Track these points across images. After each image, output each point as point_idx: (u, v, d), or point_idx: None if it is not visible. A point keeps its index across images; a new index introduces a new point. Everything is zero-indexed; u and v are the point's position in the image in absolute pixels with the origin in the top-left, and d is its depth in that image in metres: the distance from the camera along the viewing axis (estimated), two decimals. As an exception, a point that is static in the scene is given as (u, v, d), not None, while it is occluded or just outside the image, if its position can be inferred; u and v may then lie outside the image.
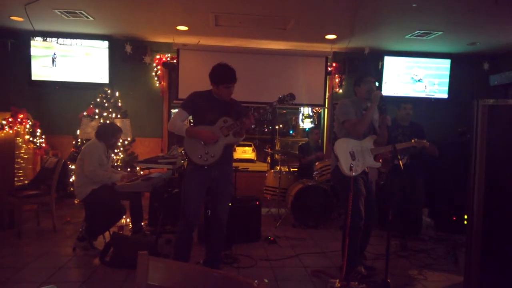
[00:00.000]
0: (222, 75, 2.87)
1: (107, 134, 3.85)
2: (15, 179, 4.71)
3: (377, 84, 3.35)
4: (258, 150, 21.36)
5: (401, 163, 2.93)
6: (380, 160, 3.36)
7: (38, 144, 5.37)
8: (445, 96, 6.60)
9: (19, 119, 4.99)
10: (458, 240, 4.27)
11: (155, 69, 6.28)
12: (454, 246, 3.99)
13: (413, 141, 3.47)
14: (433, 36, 5.50)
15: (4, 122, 4.75)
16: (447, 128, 6.01)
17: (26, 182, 4.90)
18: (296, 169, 5.81)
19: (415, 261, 3.73)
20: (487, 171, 2.42)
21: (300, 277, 3.31)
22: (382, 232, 4.20)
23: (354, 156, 3.11)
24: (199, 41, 6.10)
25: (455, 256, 3.77)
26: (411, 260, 3.77)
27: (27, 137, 5.20)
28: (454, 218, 4.65)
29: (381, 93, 3.11)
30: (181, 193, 2.96)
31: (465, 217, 2.60)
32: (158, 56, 6.27)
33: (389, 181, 4.23)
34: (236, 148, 19.75)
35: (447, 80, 6.57)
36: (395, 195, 4.22)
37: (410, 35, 5.51)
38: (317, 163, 5.33)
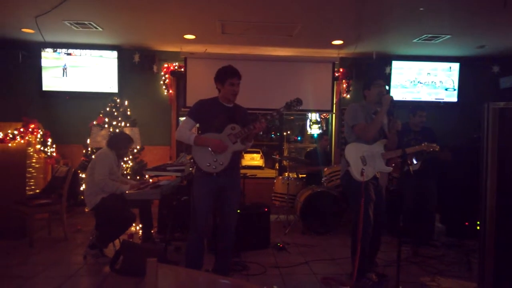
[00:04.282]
0: (227, 71, 2.93)
1: (119, 144, 3.89)
2: (27, 188, 4.77)
3: (386, 87, 3.33)
4: (266, 157, 21.36)
5: (410, 168, 2.90)
6: (393, 165, 3.33)
7: (49, 154, 5.44)
8: (455, 100, 6.54)
9: (30, 129, 5.06)
10: (471, 245, 4.19)
11: (163, 78, 6.34)
12: (467, 252, 3.92)
13: (423, 144, 3.43)
14: (441, 39, 5.46)
15: (15, 132, 4.82)
16: (457, 132, 5.95)
17: (37, 191, 4.95)
18: (304, 175, 5.79)
19: (427, 268, 3.67)
20: (498, 175, 2.38)
21: (310, 285, 3.28)
22: (393, 239, 4.15)
23: (365, 161, 3.08)
24: (206, 49, 6.16)
25: (469, 262, 3.70)
26: (423, 266, 3.71)
27: (38, 146, 5.27)
28: (467, 224, 4.58)
29: (392, 97, 3.08)
30: (191, 201, 2.96)
31: (478, 222, 2.55)
32: (166, 65, 6.33)
33: (401, 186, 4.19)
34: (244, 155, 19.80)
35: (456, 84, 6.51)
36: (407, 201, 4.17)
37: (418, 39, 5.48)
38: (325, 169, 5.30)
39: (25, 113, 5.51)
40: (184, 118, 3.04)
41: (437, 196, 4.35)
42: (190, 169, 3.86)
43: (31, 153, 5.10)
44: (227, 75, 2.92)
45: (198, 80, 6.13)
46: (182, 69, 6.26)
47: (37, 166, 5.24)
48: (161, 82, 6.36)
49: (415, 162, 4.02)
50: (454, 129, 6.03)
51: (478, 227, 2.54)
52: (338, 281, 3.28)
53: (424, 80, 6.52)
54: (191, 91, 6.17)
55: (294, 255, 4.04)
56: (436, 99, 6.55)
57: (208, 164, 2.86)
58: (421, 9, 4.29)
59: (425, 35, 5.32)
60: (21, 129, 4.93)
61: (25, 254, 3.91)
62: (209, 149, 2.86)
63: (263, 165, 20.74)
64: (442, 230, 4.89)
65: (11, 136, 4.75)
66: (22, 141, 4.85)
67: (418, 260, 3.86)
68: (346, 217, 5.01)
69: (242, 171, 4.70)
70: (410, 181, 4.06)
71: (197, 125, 3.05)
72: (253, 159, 20.39)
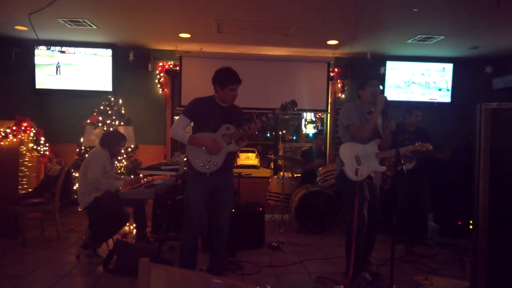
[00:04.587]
0: (228, 77, 2.87)
1: (111, 142, 3.87)
2: (19, 187, 4.72)
3: (380, 87, 3.35)
4: (261, 156, 21.35)
5: (404, 168, 2.92)
6: (387, 163, 3.35)
7: (42, 152, 5.39)
8: (448, 100, 6.59)
9: (23, 128, 5.01)
10: (464, 245, 4.23)
11: (158, 77, 6.32)
12: (460, 251, 3.95)
13: (416, 144, 3.45)
14: (435, 40, 5.50)
15: (8, 130, 4.78)
16: (450, 132, 5.99)
17: (30, 190, 4.91)
18: (299, 175, 5.80)
19: (421, 267, 3.69)
20: (491, 175, 2.40)
21: (304, 284, 3.28)
22: (387, 238, 4.17)
23: (359, 161, 3.09)
24: (201, 48, 6.14)
25: (462, 261, 3.73)
26: (417, 265, 3.73)
27: (31, 145, 5.22)
28: (460, 223, 4.61)
29: (386, 97, 3.09)
30: (185, 201, 2.95)
31: (471, 222, 2.58)
32: (161, 64, 6.30)
33: (395, 185, 4.21)
34: (240, 154, 19.77)
35: (450, 84, 6.56)
36: (401, 200, 4.19)
37: (412, 39, 5.51)
38: (320, 168, 5.31)
39: (18, 111, 5.46)
40: (179, 116, 3.03)
41: (430, 196, 4.39)
42: (185, 168, 3.85)
43: (24, 152, 5.05)
44: (228, 81, 2.85)
45: (193, 79, 6.12)
46: (177, 68, 6.24)
47: (30, 165, 5.19)
48: (156, 81, 6.34)
49: (409, 161, 4.05)
50: (447, 130, 6.08)
51: (471, 227, 2.56)
52: (332, 280, 3.29)
53: (418, 81, 6.55)
54: (186, 90, 6.15)
55: (289, 254, 4.04)
56: (429, 99, 6.59)
57: (202, 164, 2.85)
58: (415, 10, 4.31)
59: (419, 36, 5.35)
60: (14, 128, 4.88)
61: (18, 253, 3.87)
62: (203, 149, 2.85)
63: (258, 165, 20.72)
64: (435, 229, 4.92)
65: (3, 134, 4.70)
66: (15, 140, 4.81)
67: (412, 259, 3.89)
68: (340, 216, 5.03)
69: (237, 170, 4.70)
70: (404, 180, 4.08)
71: (192, 123, 3.04)
72: (248, 158, 20.35)
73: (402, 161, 2.94)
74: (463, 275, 3.48)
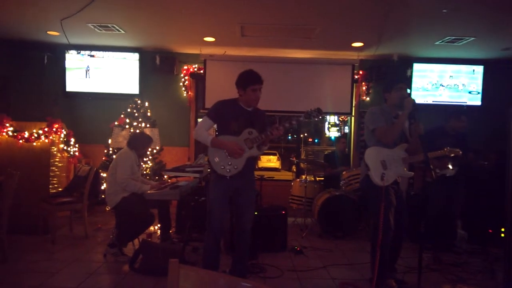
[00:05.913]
0: (249, 77, 2.89)
1: (138, 144, 3.96)
2: (50, 186, 4.90)
3: (408, 91, 3.28)
4: (283, 159, 21.31)
5: (433, 173, 2.85)
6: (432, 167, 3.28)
7: (71, 153, 5.57)
8: (478, 103, 6.37)
9: (54, 129, 5.19)
10: (494, 253, 4.07)
11: (183, 80, 6.42)
12: (491, 260, 3.81)
13: (445, 149, 3.35)
14: (465, 42, 5.33)
15: (40, 131, 4.96)
16: (480, 136, 5.78)
17: (60, 189, 5.08)
18: (322, 178, 5.75)
19: (449, 275, 3.58)
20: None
21: (328, 289, 3.24)
22: (414, 245, 4.07)
23: (385, 165, 3.03)
24: (225, 51, 6.20)
25: (492, 271, 3.59)
26: (445, 274, 3.62)
27: (61, 146, 5.40)
28: (491, 231, 4.44)
29: (414, 100, 3.02)
30: (207, 203, 2.98)
31: (502, 230, 2.48)
32: (185, 67, 6.40)
33: (428, 190, 4.08)
34: (261, 156, 19.81)
35: (480, 87, 6.34)
36: (435, 202, 4.07)
37: (440, 41, 5.37)
38: (344, 173, 5.25)
39: (50, 113, 5.66)
40: (202, 118, 3.05)
41: (464, 202, 4.26)
42: (209, 170, 3.89)
43: (55, 152, 5.23)
44: (249, 81, 2.87)
45: (217, 82, 6.18)
46: (202, 71, 6.32)
47: (60, 165, 5.37)
48: (181, 84, 6.44)
49: (450, 167, 3.95)
50: (478, 133, 5.86)
51: (502, 235, 2.46)
52: (357, 286, 3.24)
53: (446, 83, 6.37)
54: (210, 93, 6.22)
55: (312, 258, 4.01)
56: (459, 102, 6.39)
57: (223, 167, 2.87)
58: (444, 11, 4.20)
59: (448, 37, 5.20)
60: (46, 129, 5.06)
61: (48, 250, 4.01)
62: (225, 152, 2.87)
63: (280, 167, 20.70)
64: (464, 236, 4.76)
65: (36, 135, 4.89)
66: (46, 141, 4.98)
67: (439, 267, 3.77)
68: (364, 221, 4.95)
69: (259, 172, 4.70)
70: (437, 185, 3.97)
71: (215, 125, 3.06)
72: (269, 161, 20.37)
73: (431, 166, 2.86)
74: (494, 285, 3.35)
